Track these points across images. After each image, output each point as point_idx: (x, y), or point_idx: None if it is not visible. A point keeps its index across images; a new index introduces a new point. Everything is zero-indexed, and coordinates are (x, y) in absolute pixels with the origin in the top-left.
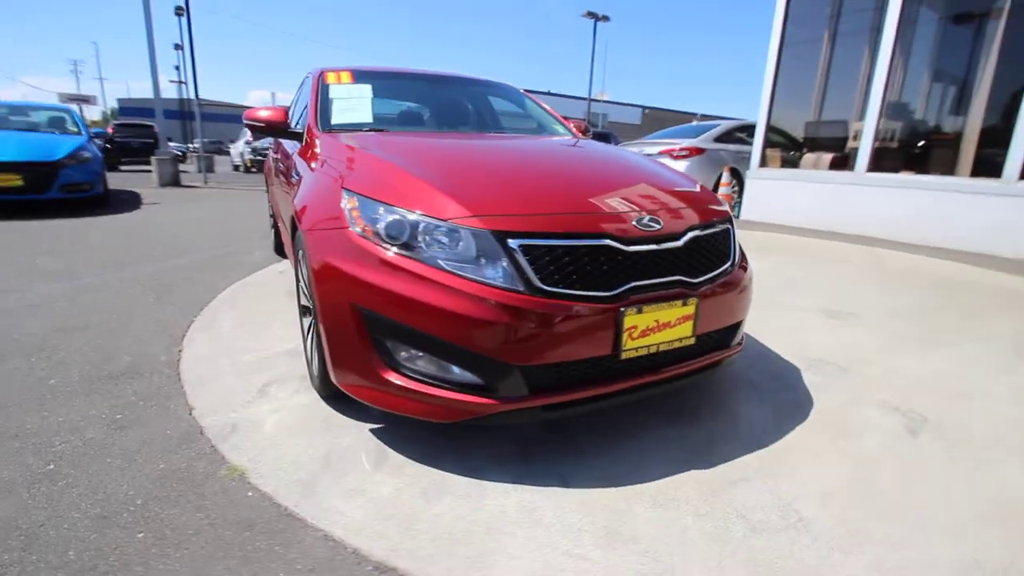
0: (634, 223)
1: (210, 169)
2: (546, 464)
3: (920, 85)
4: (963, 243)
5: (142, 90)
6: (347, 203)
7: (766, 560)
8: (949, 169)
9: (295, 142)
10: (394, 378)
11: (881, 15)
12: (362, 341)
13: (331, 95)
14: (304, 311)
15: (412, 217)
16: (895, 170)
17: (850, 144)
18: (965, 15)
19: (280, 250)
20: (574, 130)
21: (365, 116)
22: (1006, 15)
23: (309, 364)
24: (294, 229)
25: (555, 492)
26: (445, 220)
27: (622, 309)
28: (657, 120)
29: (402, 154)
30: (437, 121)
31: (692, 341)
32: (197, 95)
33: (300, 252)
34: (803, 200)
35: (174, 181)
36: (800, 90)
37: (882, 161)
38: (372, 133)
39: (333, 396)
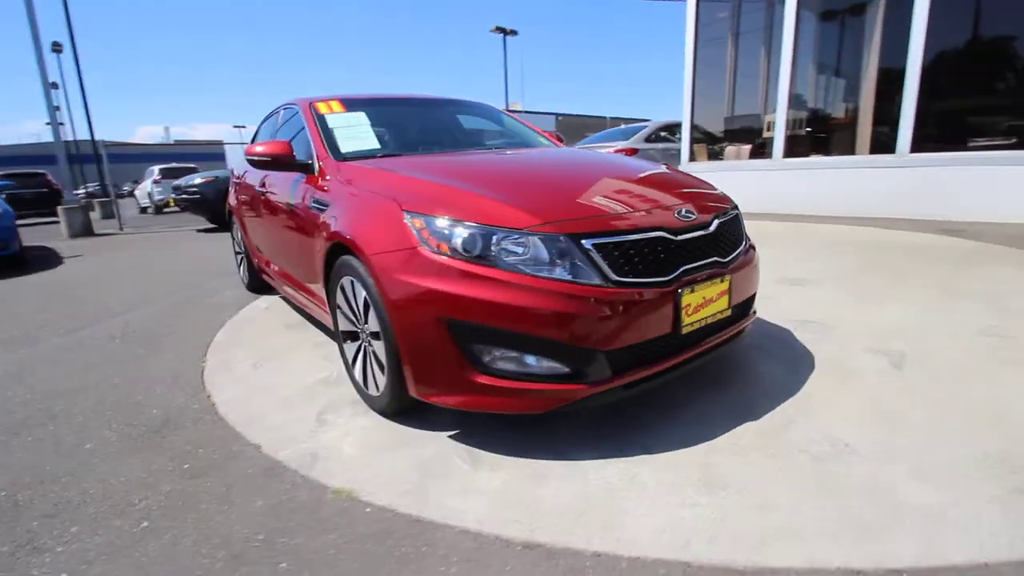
0: (676, 215)
1: (110, 215)
2: (622, 439)
3: (819, 77)
4: (870, 211)
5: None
6: (413, 223)
7: (835, 480)
8: (850, 149)
9: (297, 174)
10: (485, 380)
11: (772, 16)
12: (450, 350)
13: (330, 125)
14: (348, 336)
15: (486, 230)
16: (806, 154)
17: (765, 134)
18: (850, 10)
19: (258, 287)
20: (555, 141)
21: (372, 143)
22: (883, 9)
23: (361, 387)
24: (332, 257)
25: (643, 460)
26: (522, 229)
27: (679, 291)
28: (571, 126)
29: (439, 173)
30: (439, 142)
31: (728, 312)
32: (92, 135)
33: (351, 279)
34: (732, 188)
35: (86, 231)
36: (715, 88)
37: (794, 147)
38: (390, 158)
39: (398, 413)
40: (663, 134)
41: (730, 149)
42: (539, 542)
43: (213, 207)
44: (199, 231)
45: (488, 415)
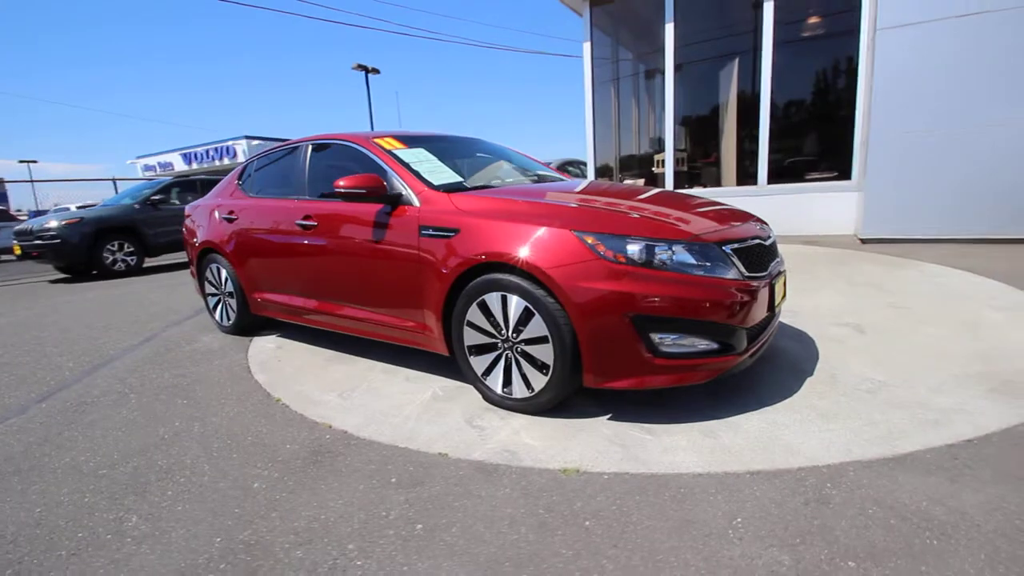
0: (759, 228)
1: None
2: (736, 403)
3: (696, 122)
4: None
5: None
6: (586, 240)
7: (891, 401)
8: (721, 181)
9: (376, 206)
10: (661, 361)
11: (639, 71)
12: (633, 340)
13: (406, 160)
14: (477, 350)
15: (655, 242)
16: (691, 185)
17: (656, 170)
18: (715, 65)
19: (247, 326)
20: (562, 173)
21: (453, 175)
22: (737, 67)
23: (496, 392)
24: (464, 279)
25: (767, 411)
26: (683, 240)
27: (772, 282)
28: None
29: (563, 199)
30: (495, 176)
31: (783, 299)
32: None
33: (500, 294)
34: None
35: None
36: (608, 131)
37: (680, 180)
38: (489, 188)
39: (546, 410)
40: (569, 168)
41: (628, 181)
42: (759, 470)
43: (75, 253)
44: (52, 281)
45: (620, 398)
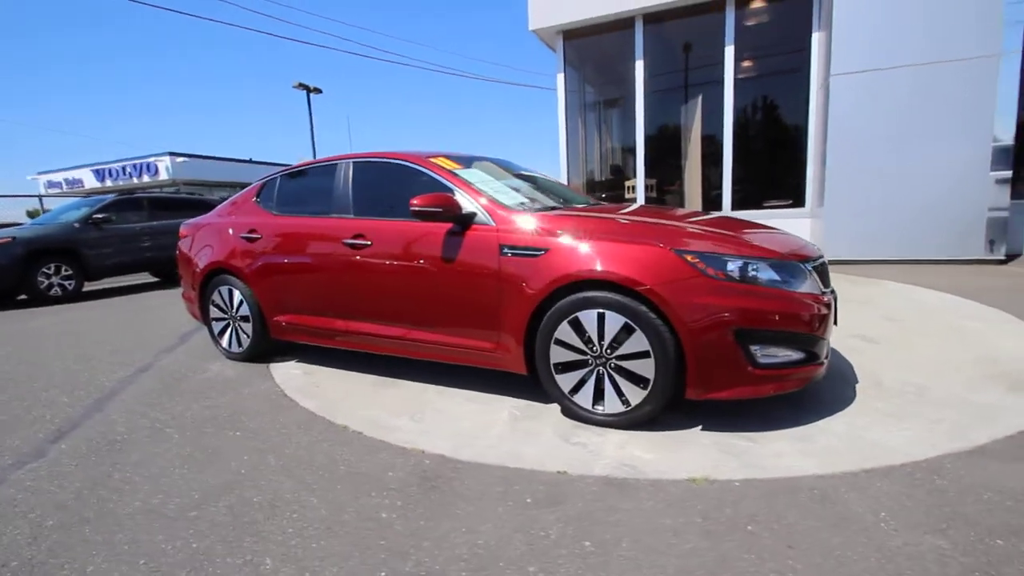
0: (815, 250)
1: None
2: (809, 410)
3: (663, 151)
4: None
5: None
6: (690, 259)
7: (935, 399)
8: (686, 207)
9: (443, 227)
10: (759, 372)
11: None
12: (735, 352)
13: (470, 179)
14: (564, 368)
15: (751, 260)
16: None
17: (627, 195)
18: (680, 96)
19: (264, 352)
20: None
21: (517, 196)
22: (701, 103)
23: (586, 409)
24: (552, 298)
25: (842, 414)
26: (773, 259)
27: (832, 299)
28: None
29: (641, 220)
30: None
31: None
32: None
33: (598, 311)
34: None
35: None
36: (576, 157)
37: (649, 204)
38: (564, 208)
39: (639, 424)
40: None
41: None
42: (871, 468)
43: (4, 277)
44: None
45: (699, 411)
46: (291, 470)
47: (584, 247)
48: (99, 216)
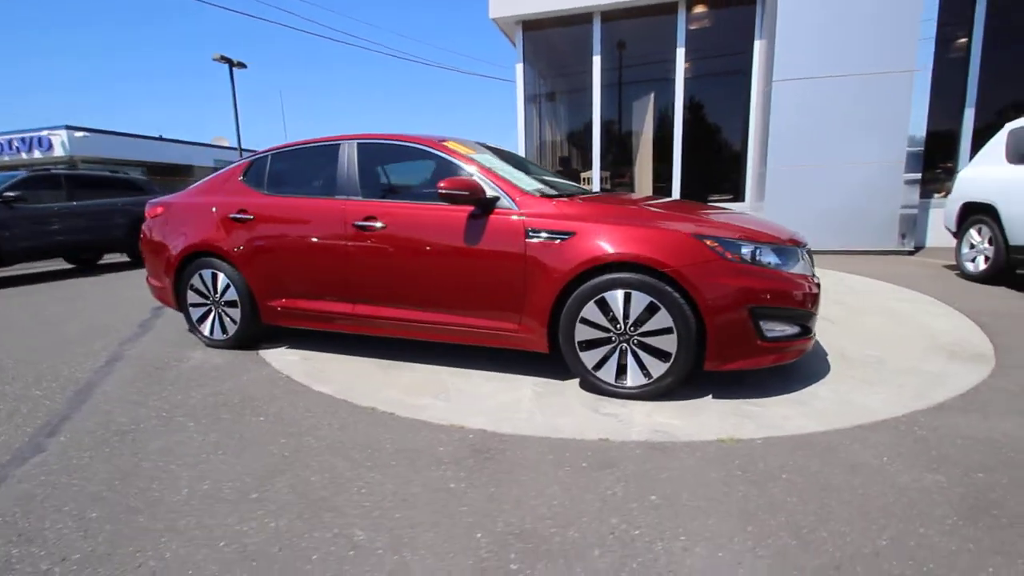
0: (803, 236)
1: None
2: (801, 377)
3: (616, 144)
4: None
5: None
6: (709, 243)
7: (895, 367)
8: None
9: (462, 211)
10: (766, 344)
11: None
12: (749, 327)
13: (490, 164)
14: (588, 345)
15: (760, 244)
16: None
17: (583, 185)
18: (634, 92)
19: (252, 337)
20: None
21: (533, 182)
22: (653, 96)
23: (608, 384)
24: (578, 280)
25: (827, 380)
26: (777, 243)
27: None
28: None
29: (653, 209)
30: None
31: None
32: None
33: (623, 291)
34: None
35: None
36: (534, 147)
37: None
38: (581, 196)
39: (660, 396)
40: None
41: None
42: (861, 423)
43: None
44: None
45: (706, 382)
46: (337, 450)
47: (610, 231)
48: (10, 194)
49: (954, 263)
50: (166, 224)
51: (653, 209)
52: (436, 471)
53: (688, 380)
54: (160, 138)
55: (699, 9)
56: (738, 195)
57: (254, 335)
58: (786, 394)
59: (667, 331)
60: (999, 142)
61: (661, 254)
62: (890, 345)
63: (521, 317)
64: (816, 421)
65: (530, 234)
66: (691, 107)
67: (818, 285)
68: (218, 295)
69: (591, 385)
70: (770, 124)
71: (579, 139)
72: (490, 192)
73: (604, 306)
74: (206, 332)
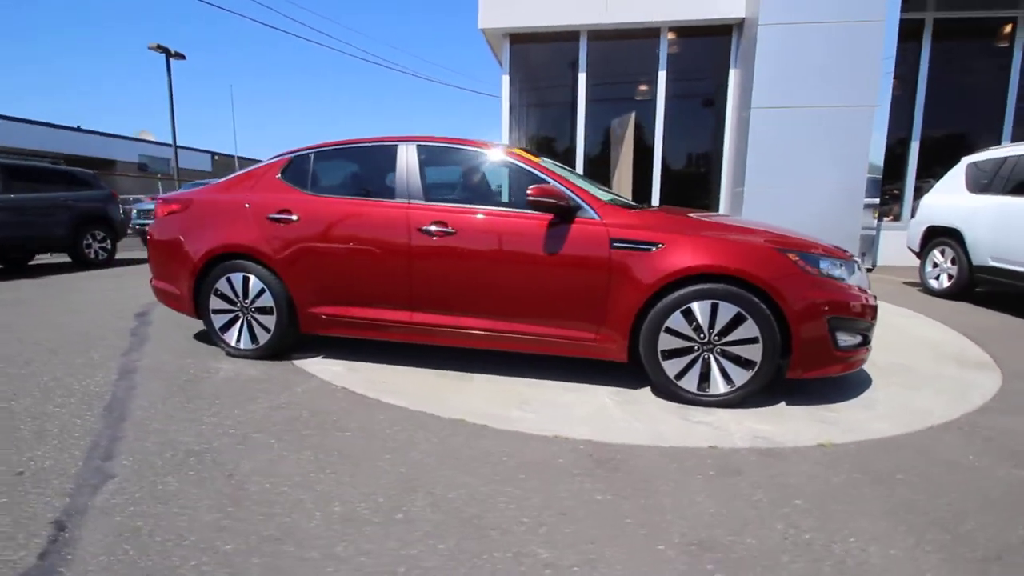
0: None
1: None
2: (844, 391)
3: (595, 159)
4: None
5: None
6: (792, 257)
7: (917, 372)
8: None
9: (538, 219)
10: (839, 354)
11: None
12: (827, 337)
13: (564, 173)
14: (670, 355)
15: (834, 259)
16: None
17: None
18: (616, 109)
19: (287, 347)
20: None
21: (607, 191)
22: (634, 115)
23: (689, 392)
24: (665, 290)
25: (870, 394)
26: (844, 259)
27: None
28: (229, 167)
29: (724, 222)
30: None
31: None
32: None
33: (709, 302)
34: None
35: None
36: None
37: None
38: (650, 207)
39: (736, 404)
40: None
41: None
42: (932, 425)
43: None
44: None
45: (779, 389)
46: (455, 465)
47: (699, 243)
48: None
49: (911, 280)
50: (185, 223)
51: (726, 222)
52: (572, 483)
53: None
54: (78, 129)
55: (679, 36)
56: (714, 211)
57: (287, 346)
58: (847, 400)
59: (752, 341)
60: (959, 173)
61: (753, 267)
62: (905, 354)
63: (600, 326)
64: (890, 424)
65: (615, 244)
66: (670, 127)
67: (875, 297)
68: (249, 302)
69: (670, 394)
70: (748, 147)
71: (562, 152)
72: (572, 200)
73: (689, 316)
74: (231, 341)
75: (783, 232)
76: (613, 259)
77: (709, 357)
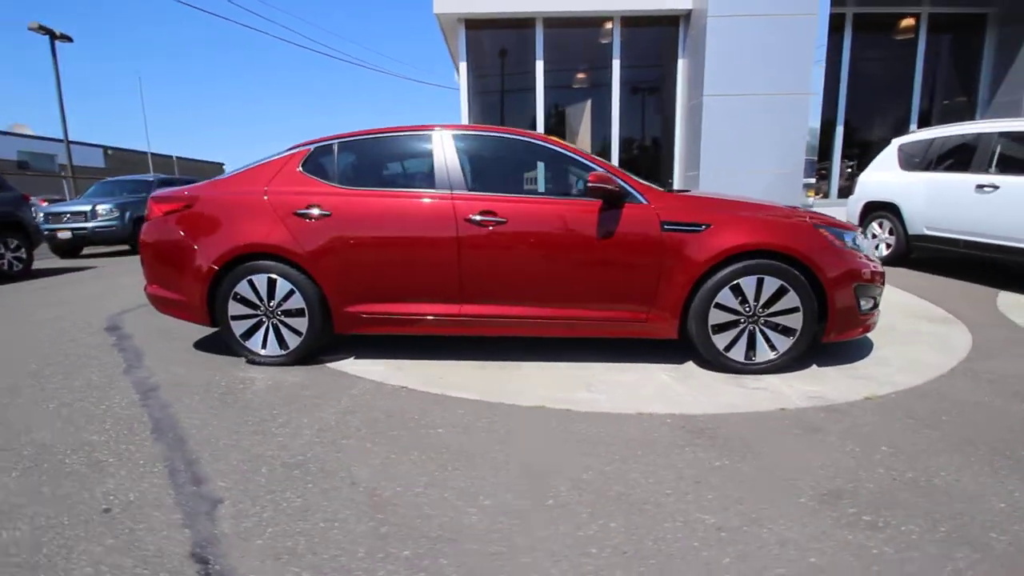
0: None
1: None
2: (857, 351)
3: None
4: None
5: None
6: (824, 232)
7: (896, 334)
8: None
9: (591, 203)
10: (863, 317)
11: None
12: (854, 303)
13: (599, 159)
14: (720, 329)
15: (855, 233)
16: None
17: (528, 185)
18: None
19: (318, 350)
20: None
21: (639, 179)
22: (590, 103)
23: (736, 361)
24: (720, 265)
25: (880, 352)
26: (857, 232)
27: None
28: (125, 160)
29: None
30: None
31: None
32: None
33: (757, 277)
34: None
35: None
36: None
37: None
38: (681, 191)
39: (775, 370)
40: None
41: None
42: (942, 373)
43: None
44: None
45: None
46: (567, 449)
47: (744, 223)
48: None
49: None
50: (192, 222)
51: (752, 202)
52: (684, 454)
53: None
54: None
55: (631, 26)
56: None
57: (319, 348)
58: (864, 359)
59: (794, 310)
60: (891, 154)
61: (796, 243)
62: (883, 315)
63: (651, 307)
64: (913, 376)
65: (666, 226)
66: (625, 114)
67: (881, 263)
68: (275, 304)
69: (720, 365)
70: (702, 133)
71: None
72: (621, 186)
73: (736, 291)
74: (256, 348)
75: (801, 210)
76: (665, 241)
77: (754, 328)
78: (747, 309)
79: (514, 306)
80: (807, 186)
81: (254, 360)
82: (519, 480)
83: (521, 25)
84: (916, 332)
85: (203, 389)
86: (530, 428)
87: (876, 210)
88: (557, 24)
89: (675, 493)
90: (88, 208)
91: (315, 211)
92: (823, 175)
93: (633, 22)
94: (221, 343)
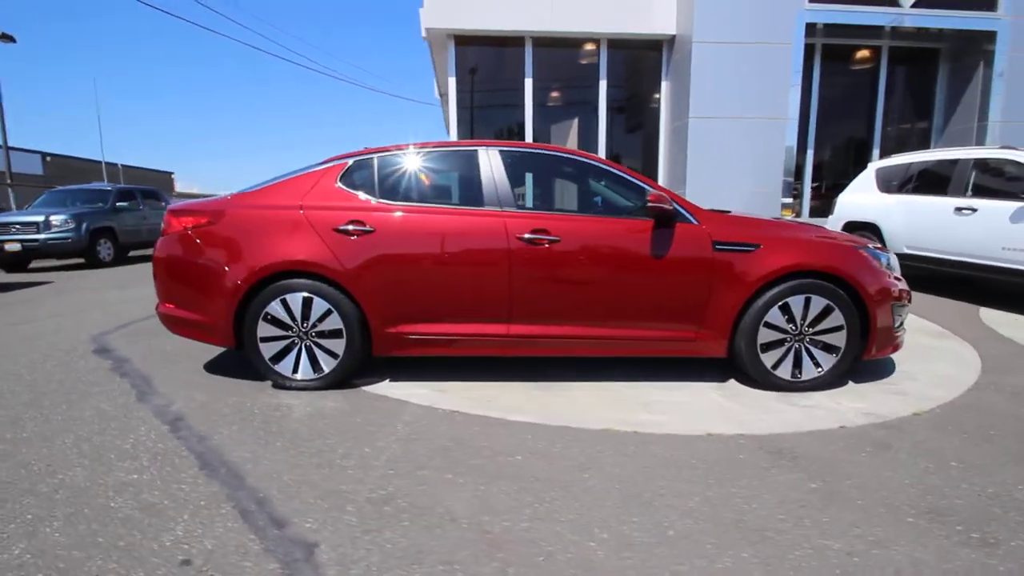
0: None
1: None
2: (885, 368)
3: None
4: None
5: None
6: (864, 254)
7: (905, 350)
8: None
9: (643, 222)
10: (898, 335)
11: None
12: (890, 321)
13: (638, 180)
14: (767, 347)
15: (887, 254)
16: None
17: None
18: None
19: (354, 373)
20: None
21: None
22: (577, 121)
23: (785, 380)
24: (769, 285)
25: (908, 368)
26: (888, 253)
27: None
28: (66, 168)
29: (792, 222)
30: None
31: None
32: None
33: (805, 296)
34: None
35: None
36: None
37: None
38: (719, 210)
39: (819, 388)
40: None
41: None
42: (966, 390)
43: None
44: None
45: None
46: (656, 474)
47: (793, 244)
48: None
49: None
50: (218, 238)
51: (792, 223)
52: (779, 476)
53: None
54: None
55: (617, 48)
56: None
57: (355, 371)
58: (893, 374)
59: (838, 328)
60: (869, 177)
61: (842, 263)
62: None
63: (700, 326)
64: (944, 391)
65: (717, 246)
66: (611, 131)
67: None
68: (309, 325)
69: (767, 383)
70: (688, 153)
71: None
72: (673, 206)
73: (785, 310)
74: (288, 372)
75: (833, 232)
76: (716, 260)
77: (800, 346)
78: (793, 328)
79: (564, 326)
80: (785, 205)
81: (284, 385)
82: (626, 510)
83: (511, 43)
84: (926, 347)
85: (237, 417)
86: (608, 453)
87: (857, 229)
88: (546, 44)
89: (789, 518)
90: (41, 219)
91: (357, 227)
92: (795, 195)
93: (619, 45)
94: (234, 365)
